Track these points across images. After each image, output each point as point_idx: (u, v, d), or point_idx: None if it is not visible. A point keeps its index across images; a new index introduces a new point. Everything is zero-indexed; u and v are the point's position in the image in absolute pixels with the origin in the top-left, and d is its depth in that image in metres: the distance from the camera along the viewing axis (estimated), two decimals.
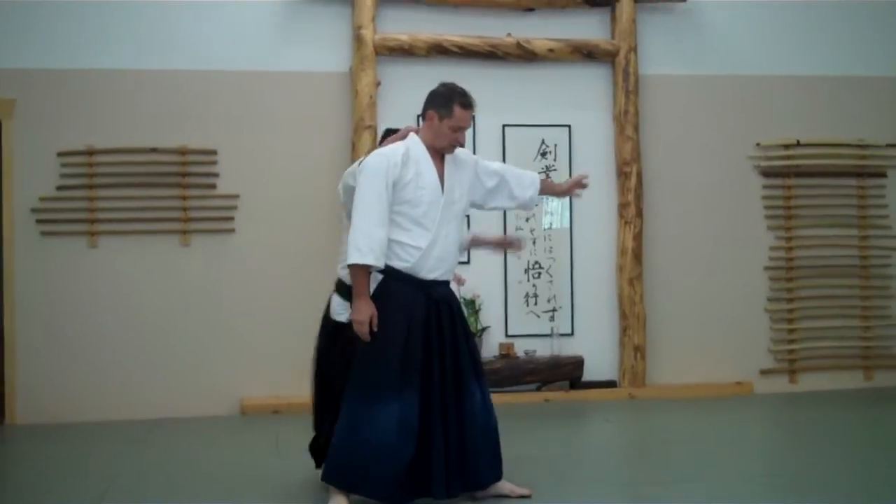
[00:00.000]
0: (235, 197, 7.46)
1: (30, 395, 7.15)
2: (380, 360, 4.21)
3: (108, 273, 7.29)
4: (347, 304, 4.48)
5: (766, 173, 8.07)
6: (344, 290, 4.56)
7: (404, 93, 7.48)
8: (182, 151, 7.38)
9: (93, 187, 7.27)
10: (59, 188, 7.24)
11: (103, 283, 7.28)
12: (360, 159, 4.57)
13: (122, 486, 4.92)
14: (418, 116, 4.67)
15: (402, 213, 4.27)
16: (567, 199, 7.78)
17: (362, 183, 4.25)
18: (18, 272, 7.21)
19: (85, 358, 7.23)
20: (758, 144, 8.06)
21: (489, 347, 7.63)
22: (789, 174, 8.09)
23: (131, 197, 7.32)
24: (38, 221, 7.21)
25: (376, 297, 4.24)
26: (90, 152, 7.27)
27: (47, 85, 7.25)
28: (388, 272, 4.28)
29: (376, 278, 4.28)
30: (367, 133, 7.42)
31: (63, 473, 5.45)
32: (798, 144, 8.07)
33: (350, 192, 4.41)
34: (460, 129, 4.38)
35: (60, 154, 7.24)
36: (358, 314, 4.20)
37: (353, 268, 4.20)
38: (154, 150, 7.35)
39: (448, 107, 4.36)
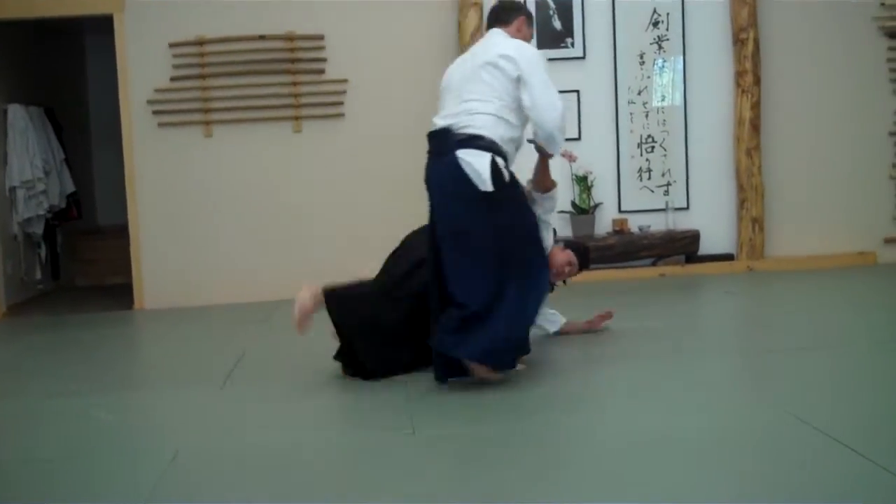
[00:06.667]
0: (344, 82, 7.47)
1: (155, 281, 7.41)
2: (536, 238, 4.40)
3: (223, 161, 7.43)
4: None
5: (892, 34, 7.68)
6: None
7: None
8: (290, 38, 7.39)
9: (205, 77, 7.36)
10: (173, 79, 7.34)
11: (219, 171, 7.43)
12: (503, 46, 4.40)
13: (249, 364, 5.08)
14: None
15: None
16: (680, 71, 7.58)
17: (543, 70, 4.31)
18: (138, 163, 7.40)
19: (204, 244, 7.43)
20: (882, 4, 7.66)
21: (602, 224, 7.58)
22: None
23: (243, 85, 7.39)
24: (155, 113, 7.35)
25: (513, 184, 4.27)
26: (200, 42, 7.33)
27: None
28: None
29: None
30: (472, 11, 7.31)
31: (191, 353, 5.66)
32: None
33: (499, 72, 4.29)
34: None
35: (172, 45, 7.32)
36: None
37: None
38: (262, 38, 7.37)
39: (529, 14, 4.70)
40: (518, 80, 4.25)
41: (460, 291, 4.15)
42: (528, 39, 4.61)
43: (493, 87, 4.26)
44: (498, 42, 4.42)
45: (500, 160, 4.18)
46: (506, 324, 4.13)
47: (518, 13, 4.65)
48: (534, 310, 4.31)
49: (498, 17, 4.63)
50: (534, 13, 7.42)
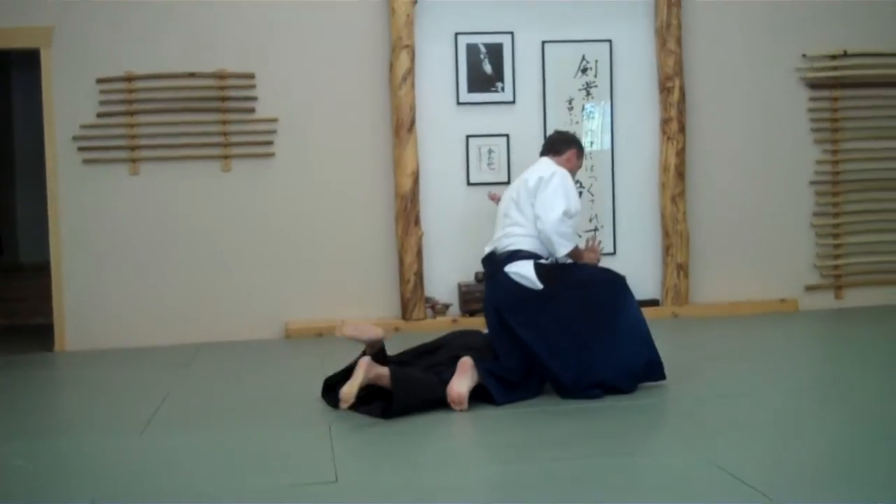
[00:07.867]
0: (274, 121, 7.44)
1: (78, 322, 7.25)
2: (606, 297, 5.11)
3: (150, 200, 7.33)
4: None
5: (813, 85, 7.90)
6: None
7: (441, 10, 7.39)
8: (220, 76, 7.35)
9: (133, 114, 7.28)
10: (100, 115, 7.25)
11: (146, 209, 7.32)
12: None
13: (171, 409, 4.99)
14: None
15: None
16: (608, 117, 7.69)
17: (558, 186, 5.08)
18: (62, 200, 7.26)
19: (130, 285, 7.31)
20: (804, 56, 7.88)
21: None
22: (836, 85, 7.91)
23: (171, 123, 7.31)
24: (80, 149, 7.24)
25: (563, 268, 5.10)
26: (129, 78, 7.25)
27: (85, 11, 7.21)
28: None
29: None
30: (404, 52, 7.35)
31: (111, 397, 5.54)
32: (845, 55, 7.87)
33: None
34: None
35: (100, 81, 7.23)
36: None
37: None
38: (192, 75, 7.32)
39: (580, 147, 5.50)
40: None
41: (557, 366, 4.82)
42: (576, 169, 5.42)
43: (525, 212, 5.07)
44: (541, 169, 5.18)
45: (542, 261, 5.00)
46: (609, 365, 4.88)
47: (571, 146, 5.41)
48: (632, 346, 4.98)
49: (552, 147, 5.43)
50: (464, 57, 7.55)
